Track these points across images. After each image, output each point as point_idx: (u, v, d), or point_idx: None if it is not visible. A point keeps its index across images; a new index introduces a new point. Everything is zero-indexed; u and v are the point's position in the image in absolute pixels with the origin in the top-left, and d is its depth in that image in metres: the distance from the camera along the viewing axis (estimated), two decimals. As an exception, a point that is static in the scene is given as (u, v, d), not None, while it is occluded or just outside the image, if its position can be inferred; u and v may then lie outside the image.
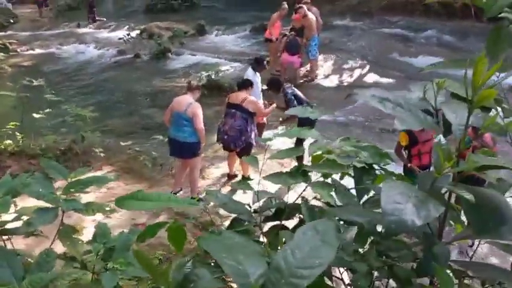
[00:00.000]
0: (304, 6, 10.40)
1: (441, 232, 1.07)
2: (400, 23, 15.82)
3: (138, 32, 16.54)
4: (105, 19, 19.64)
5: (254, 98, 6.28)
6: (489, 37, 1.22)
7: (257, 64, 7.65)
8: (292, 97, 6.51)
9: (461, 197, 0.87)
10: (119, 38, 15.72)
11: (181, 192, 6.19)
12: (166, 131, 8.54)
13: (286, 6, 10.76)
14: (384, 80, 10.58)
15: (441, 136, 1.11)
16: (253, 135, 6.07)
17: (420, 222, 0.77)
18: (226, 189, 6.18)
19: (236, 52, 14.19)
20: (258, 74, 7.45)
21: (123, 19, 19.45)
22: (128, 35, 15.92)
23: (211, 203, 3.02)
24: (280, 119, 8.42)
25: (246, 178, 5.82)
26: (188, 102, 5.61)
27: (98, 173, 6.61)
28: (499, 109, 1.12)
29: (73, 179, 1.51)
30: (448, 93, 1.18)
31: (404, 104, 1.08)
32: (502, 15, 1.31)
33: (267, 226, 1.64)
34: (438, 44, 13.41)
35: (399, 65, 11.74)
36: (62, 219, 1.45)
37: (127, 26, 17.96)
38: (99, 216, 3.86)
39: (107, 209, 1.41)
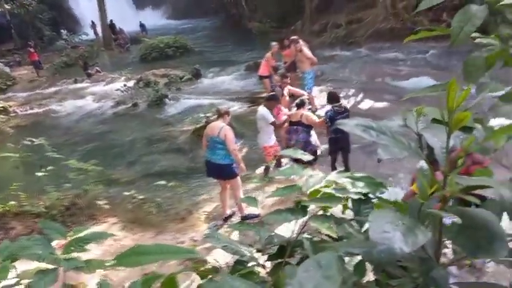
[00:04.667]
0: (301, 41, 10.72)
1: (439, 255, 1.08)
2: (388, 49, 16.24)
3: (135, 81, 16.69)
4: (102, 73, 20.03)
5: (310, 113, 7.26)
6: (466, 62, 1.27)
7: (268, 101, 7.29)
8: (327, 119, 6.75)
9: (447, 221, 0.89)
10: (117, 89, 15.95)
11: (233, 218, 6.35)
12: (168, 176, 8.70)
13: (274, 43, 11.55)
14: (379, 105, 10.69)
15: (423, 162, 1.13)
16: (314, 142, 7.12)
17: (408, 249, 0.78)
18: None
19: (232, 92, 14.45)
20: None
21: (119, 71, 19.84)
22: (125, 85, 16.09)
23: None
24: None
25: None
26: (220, 127, 5.99)
27: (104, 226, 6.58)
28: (479, 128, 1.15)
29: (72, 238, 1.51)
30: (428, 119, 1.22)
31: (387, 132, 1.11)
32: (476, 41, 1.36)
33: (272, 264, 1.63)
34: (428, 65, 13.71)
35: (392, 88, 11.90)
36: (64, 279, 1.45)
37: (124, 77, 18.22)
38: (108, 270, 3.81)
39: (108, 264, 1.41)
